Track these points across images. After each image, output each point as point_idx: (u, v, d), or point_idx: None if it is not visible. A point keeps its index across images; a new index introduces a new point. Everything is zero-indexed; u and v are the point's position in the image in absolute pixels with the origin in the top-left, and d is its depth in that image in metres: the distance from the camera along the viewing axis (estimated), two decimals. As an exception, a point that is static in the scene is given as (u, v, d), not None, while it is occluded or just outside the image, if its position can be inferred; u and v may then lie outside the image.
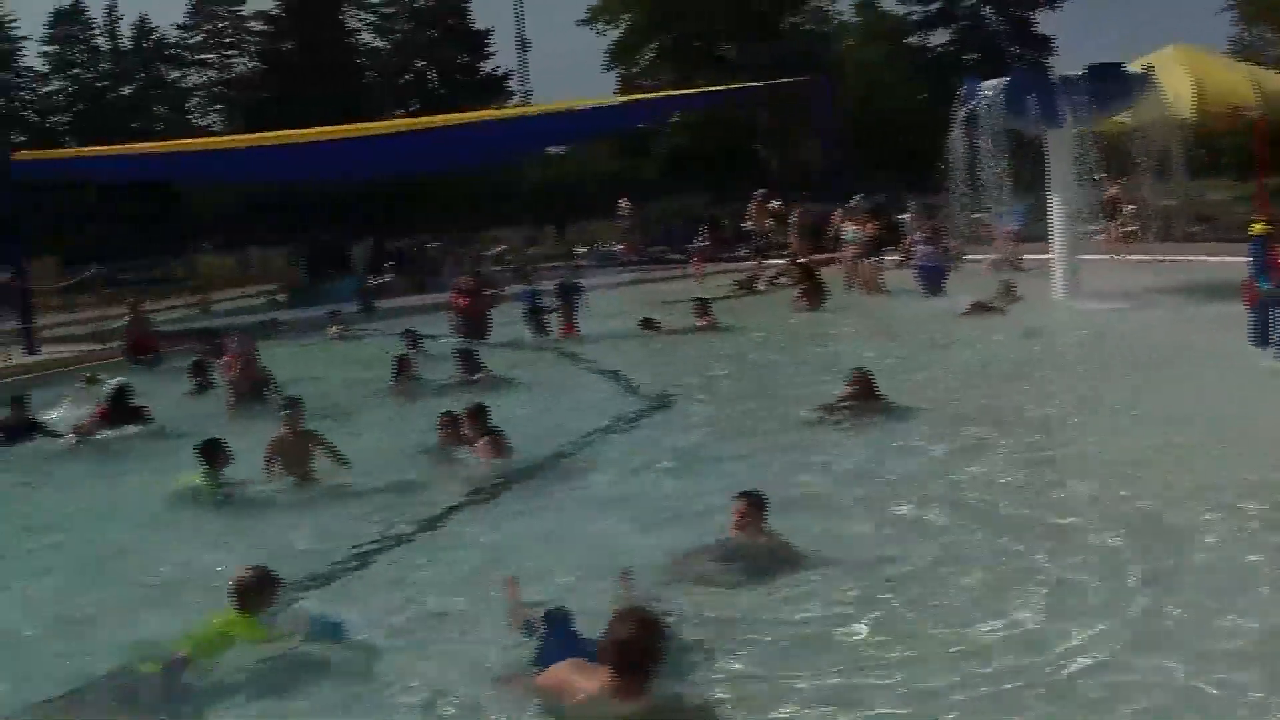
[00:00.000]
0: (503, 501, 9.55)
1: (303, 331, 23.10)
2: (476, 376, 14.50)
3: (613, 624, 5.10)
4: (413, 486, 10.15)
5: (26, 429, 13.36)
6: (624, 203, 39.71)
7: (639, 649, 4.98)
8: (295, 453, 10.22)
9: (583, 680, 5.18)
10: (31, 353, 22.91)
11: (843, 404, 11.48)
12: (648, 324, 18.88)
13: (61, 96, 68.88)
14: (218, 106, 65.16)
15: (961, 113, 18.73)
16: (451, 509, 9.34)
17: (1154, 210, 22.45)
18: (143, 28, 65.36)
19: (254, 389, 14.86)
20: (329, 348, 21.51)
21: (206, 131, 58.98)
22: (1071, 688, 5.53)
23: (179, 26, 64.06)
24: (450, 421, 10.85)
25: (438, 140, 33.03)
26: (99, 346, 22.60)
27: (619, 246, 39.01)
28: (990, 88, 18.08)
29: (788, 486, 8.88)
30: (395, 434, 12.50)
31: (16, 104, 69.79)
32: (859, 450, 10.33)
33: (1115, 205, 25.57)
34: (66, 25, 67.60)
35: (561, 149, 52.90)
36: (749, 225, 31.15)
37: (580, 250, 39.96)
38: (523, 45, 47.68)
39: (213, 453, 10.04)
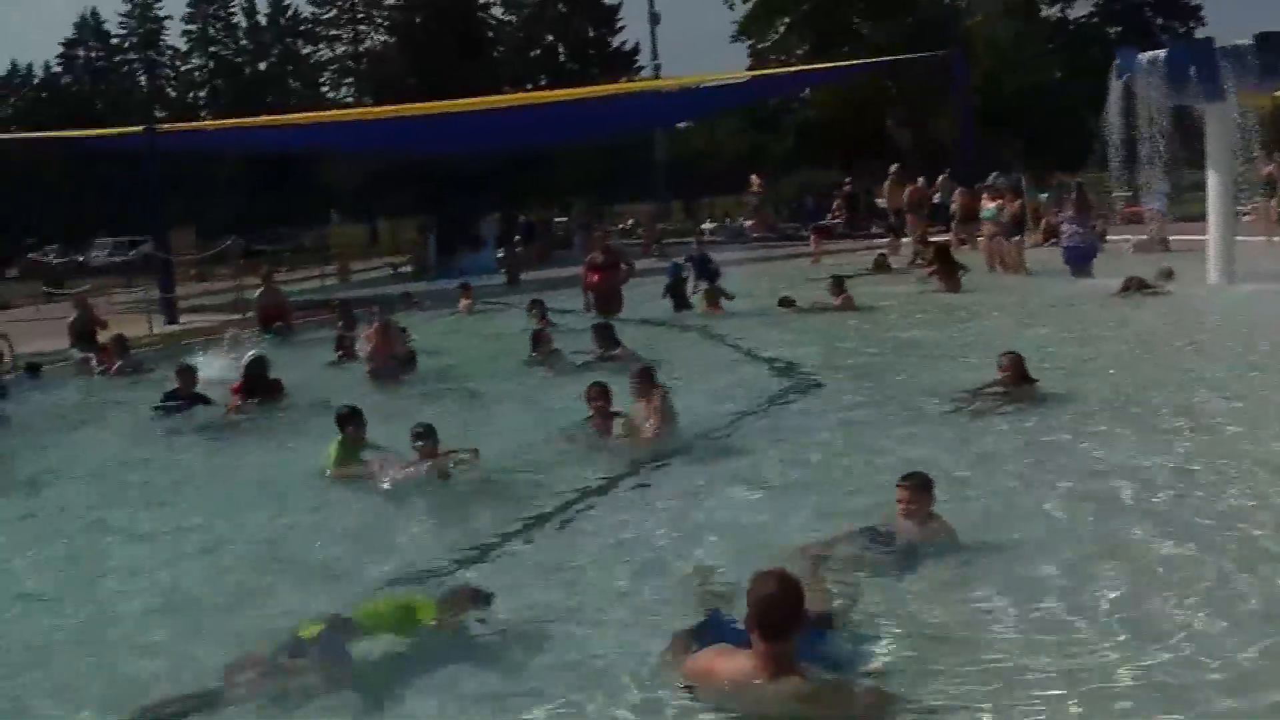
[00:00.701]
0: (653, 480, 9.30)
1: (437, 305, 23.13)
2: (615, 351, 14.23)
3: (753, 585, 4.96)
4: (557, 464, 9.89)
5: (193, 400, 13.42)
6: (755, 179, 39.34)
7: (781, 606, 4.83)
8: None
9: (727, 664, 5.06)
10: (171, 322, 23.43)
11: (994, 389, 11.01)
12: (785, 302, 18.53)
13: (201, 73, 70.82)
14: (348, 80, 66.15)
15: (1116, 86, 17.97)
16: (602, 486, 9.16)
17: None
18: (279, 4, 66.54)
19: (395, 364, 14.79)
20: (460, 321, 21.51)
21: (338, 105, 59.88)
22: (1244, 684, 5.19)
23: (313, 2, 64.99)
24: (601, 394, 10.45)
25: (567, 114, 33.07)
26: (237, 316, 22.94)
27: (749, 223, 38.67)
28: (1149, 59, 17.22)
29: (945, 471, 8.47)
30: (538, 410, 12.31)
31: (159, 81, 71.84)
32: (1014, 436, 9.88)
33: (1273, 183, 24.47)
34: (206, 4, 69.32)
35: (687, 124, 52.58)
36: (881, 202, 30.51)
37: (707, 226, 39.64)
38: (653, 19, 47.17)
39: (351, 421, 9.95)
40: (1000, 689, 5.28)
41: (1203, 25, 51.15)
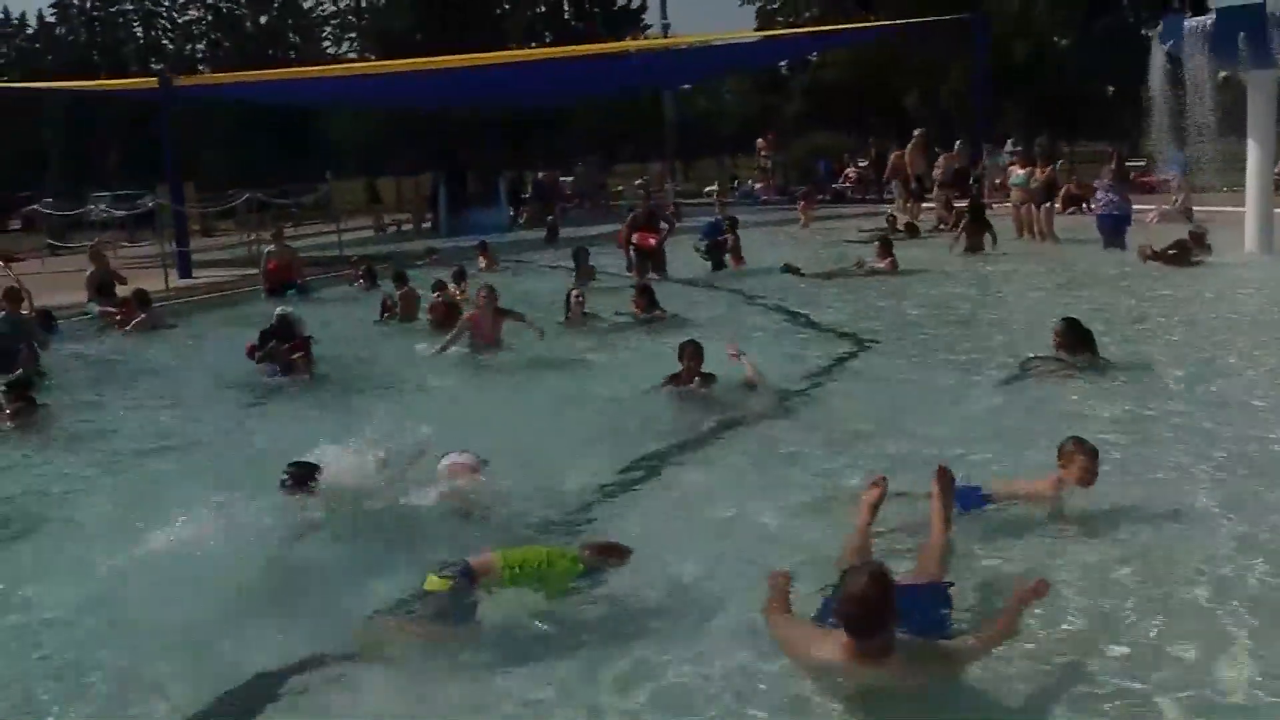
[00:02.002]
0: (726, 443, 9.13)
1: (453, 261, 22.76)
2: (656, 313, 13.97)
3: (845, 581, 4.79)
4: (648, 423, 9.66)
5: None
6: (762, 141, 38.98)
7: (871, 605, 4.64)
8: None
9: (819, 647, 4.91)
10: (185, 276, 23.09)
11: (1055, 355, 10.79)
12: (790, 269, 18.23)
13: (199, 26, 69.98)
14: (351, 35, 65.48)
15: (1158, 53, 17.68)
16: (691, 442, 9.06)
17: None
18: (280, -45, 65.76)
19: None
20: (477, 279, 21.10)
21: (340, 60, 59.22)
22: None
23: (315, -46, 64.17)
24: (696, 352, 10.13)
25: (573, 70, 32.77)
26: (254, 271, 22.60)
27: (758, 185, 38.38)
28: (1196, 25, 16.89)
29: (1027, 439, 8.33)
30: (587, 373, 12.09)
31: (154, 33, 71.00)
32: (1100, 402, 9.62)
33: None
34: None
35: (693, 86, 51.97)
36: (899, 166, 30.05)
37: (710, 189, 39.35)
38: (663, -23, 46.54)
39: None
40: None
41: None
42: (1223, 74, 18.12)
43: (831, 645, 4.81)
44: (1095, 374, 10.40)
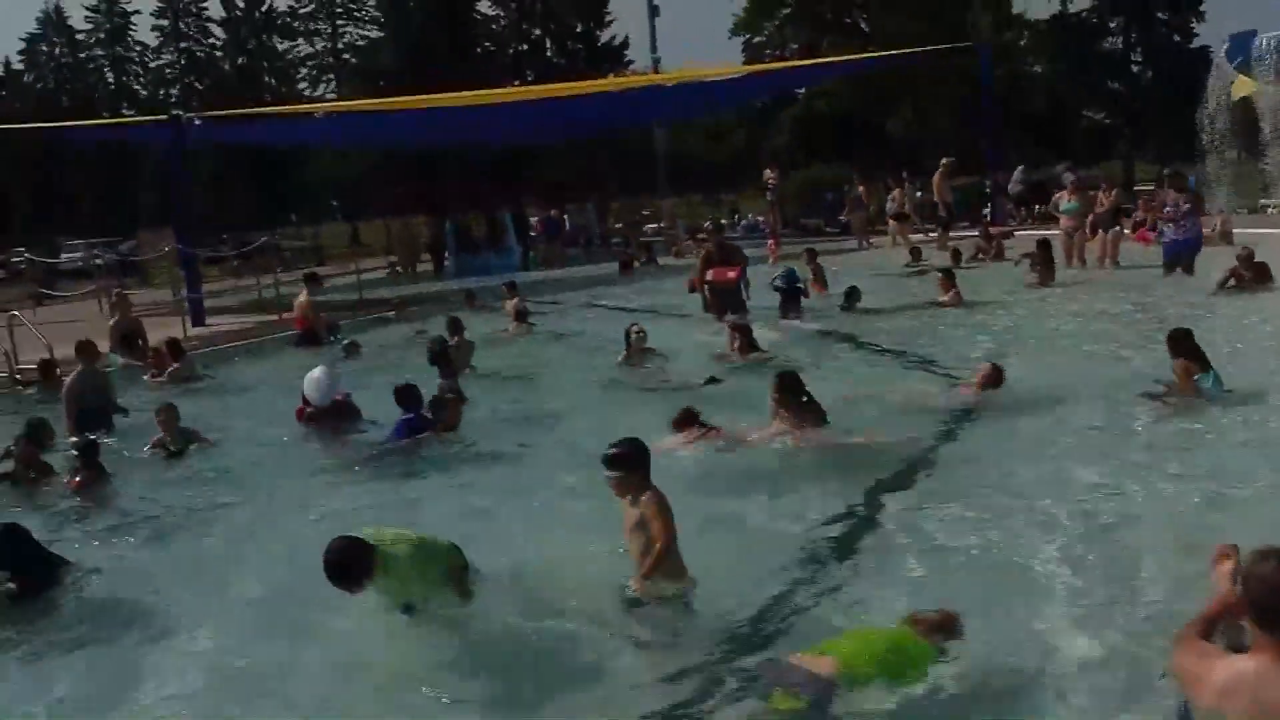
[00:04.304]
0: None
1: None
2: (757, 355, 13.08)
3: (1250, 565, 3.93)
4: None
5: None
6: (769, 172, 38.35)
7: None
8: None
9: (1220, 670, 3.95)
10: (198, 324, 22.03)
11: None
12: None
13: (172, 70, 68.95)
14: (328, 77, 64.65)
15: (1223, 71, 17.19)
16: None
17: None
18: (254, -1, 64.96)
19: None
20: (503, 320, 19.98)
21: (318, 101, 58.39)
22: None
23: (291, -7, 63.43)
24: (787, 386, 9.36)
25: (563, 109, 32.17)
26: (273, 317, 21.65)
27: (760, 218, 37.77)
28: (1271, 39, 16.38)
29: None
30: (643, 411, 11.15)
31: (125, 78, 69.97)
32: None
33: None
34: (178, -1, 67.55)
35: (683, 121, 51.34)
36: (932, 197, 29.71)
37: (706, 224, 38.69)
38: (653, 11, 45.79)
39: None
40: None
41: (1203, 20, 50.64)
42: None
43: (1236, 662, 3.94)
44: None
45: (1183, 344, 10.05)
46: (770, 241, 28.16)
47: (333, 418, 11.78)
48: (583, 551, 7.23)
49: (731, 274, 17.32)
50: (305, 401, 11.86)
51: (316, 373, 11.99)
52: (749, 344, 13.18)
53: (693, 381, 12.26)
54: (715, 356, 13.71)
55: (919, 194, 31.03)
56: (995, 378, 10.68)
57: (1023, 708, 5.14)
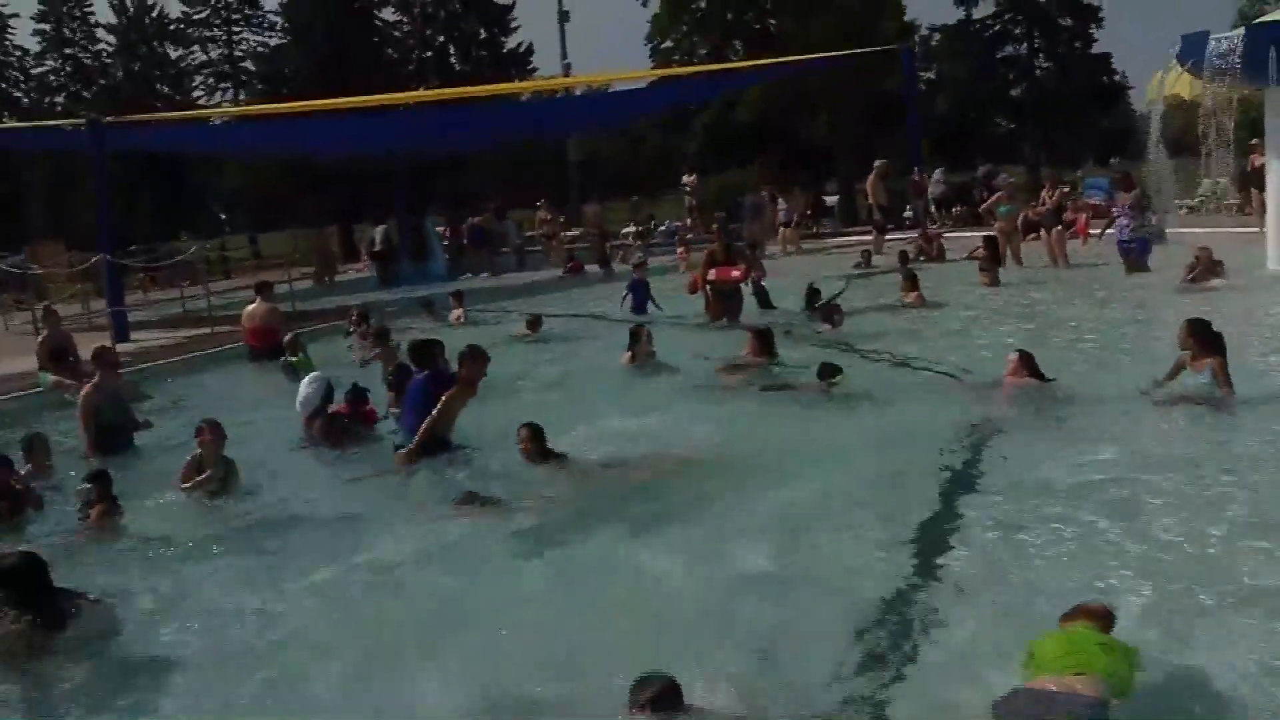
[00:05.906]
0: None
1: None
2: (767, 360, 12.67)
3: None
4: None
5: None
6: (688, 178, 38.21)
7: None
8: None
9: None
10: (122, 339, 20.95)
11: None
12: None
13: (57, 77, 66.50)
14: (224, 85, 62.93)
15: (1179, 69, 17.36)
16: None
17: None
18: (143, 4, 62.90)
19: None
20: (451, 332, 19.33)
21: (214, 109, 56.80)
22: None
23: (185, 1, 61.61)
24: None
25: (475, 115, 31.79)
26: (206, 330, 20.77)
27: (679, 224, 37.52)
28: (1222, 42, 16.51)
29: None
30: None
31: (4, 85, 67.36)
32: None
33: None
34: (61, 3, 65.15)
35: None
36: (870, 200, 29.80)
37: (627, 230, 38.37)
38: (563, 16, 45.30)
39: None
40: None
41: (1101, 26, 51.80)
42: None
43: None
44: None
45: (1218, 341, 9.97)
46: (680, 249, 27.81)
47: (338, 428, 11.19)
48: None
49: (735, 274, 16.99)
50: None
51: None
52: (769, 350, 12.78)
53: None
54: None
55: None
56: (1029, 363, 10.54)
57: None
